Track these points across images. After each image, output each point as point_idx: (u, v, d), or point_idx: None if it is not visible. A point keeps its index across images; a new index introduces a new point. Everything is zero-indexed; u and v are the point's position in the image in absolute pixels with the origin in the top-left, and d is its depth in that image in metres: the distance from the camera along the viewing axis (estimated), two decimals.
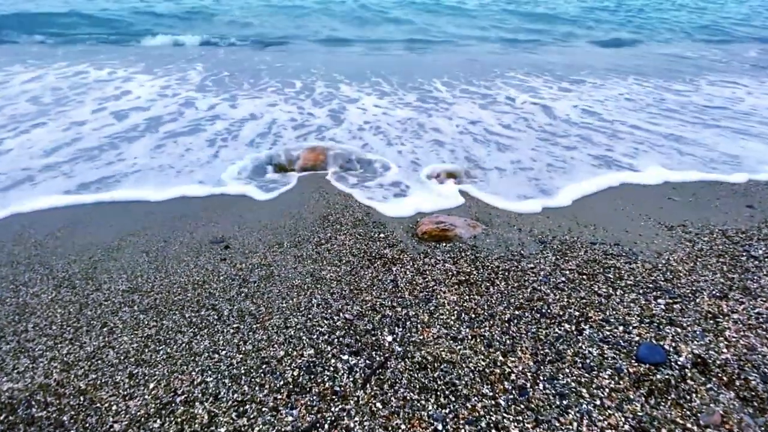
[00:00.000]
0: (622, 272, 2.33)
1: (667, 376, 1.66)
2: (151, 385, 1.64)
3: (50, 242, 2.63)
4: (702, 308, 2.05)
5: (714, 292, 2.15)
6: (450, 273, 2.31)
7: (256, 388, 1.62)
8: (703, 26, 14.28)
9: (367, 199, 3.21)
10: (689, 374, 1.67)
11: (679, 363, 1.73)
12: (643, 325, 1.93)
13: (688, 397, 1.58)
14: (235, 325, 1.93)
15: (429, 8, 15.30)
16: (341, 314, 1.99)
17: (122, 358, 1.76)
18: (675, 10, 17.85)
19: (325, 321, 1.95)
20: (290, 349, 1.78)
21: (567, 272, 2.32)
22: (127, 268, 2.37)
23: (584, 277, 2.29)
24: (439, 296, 2.12)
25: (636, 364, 1.73)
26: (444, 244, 2.59)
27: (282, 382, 1.64)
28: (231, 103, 5.52)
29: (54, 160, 3.75)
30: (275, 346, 1.80)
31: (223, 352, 1.77)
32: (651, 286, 2.21)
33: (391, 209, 3.05)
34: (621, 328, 1.91)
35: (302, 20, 12.73)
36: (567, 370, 1.70)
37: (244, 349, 1.79)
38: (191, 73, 7.07)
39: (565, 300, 2.10)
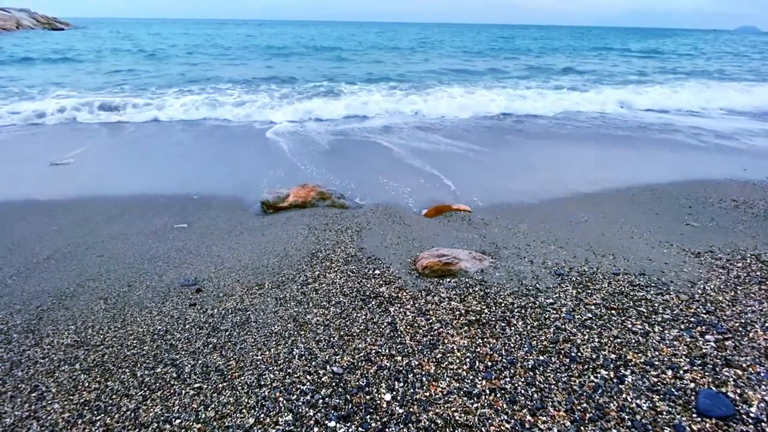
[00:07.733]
0: (656, 305, 2.01)
1: None
2: None
3: None
4: (759, 344, 1.72)
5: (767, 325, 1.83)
6: (457, 312, 1.98)
7: None
8: None
9: None
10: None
11: (751, 415, 1.38)
12: (695, 368, 1.59)
13: None
14: (196, 385, 1.55)
15: None
16: (328, 367, 1.63)
17: None
18: None
19: (308, 376, 1.58)
20: (262, 415, 1.40)
21: (592, 307, 2.00)
22: (78, 317, 2.02)
23: (613, 312, 1.96)
24: (446, 341, 1.77)
25: (699, 419, 1.37)
26: (448, 280, 2.27)
27: None
28: None
29: None
30: (244, 411, 1.42)
31: (177, 422, 1.39)
32: (693, 320, 1.89)
33: None
34: (670, 372, 1.57)
35: None
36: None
37: (204, 416, 1.41)
38: None
39: (596, 340, 1.76)
